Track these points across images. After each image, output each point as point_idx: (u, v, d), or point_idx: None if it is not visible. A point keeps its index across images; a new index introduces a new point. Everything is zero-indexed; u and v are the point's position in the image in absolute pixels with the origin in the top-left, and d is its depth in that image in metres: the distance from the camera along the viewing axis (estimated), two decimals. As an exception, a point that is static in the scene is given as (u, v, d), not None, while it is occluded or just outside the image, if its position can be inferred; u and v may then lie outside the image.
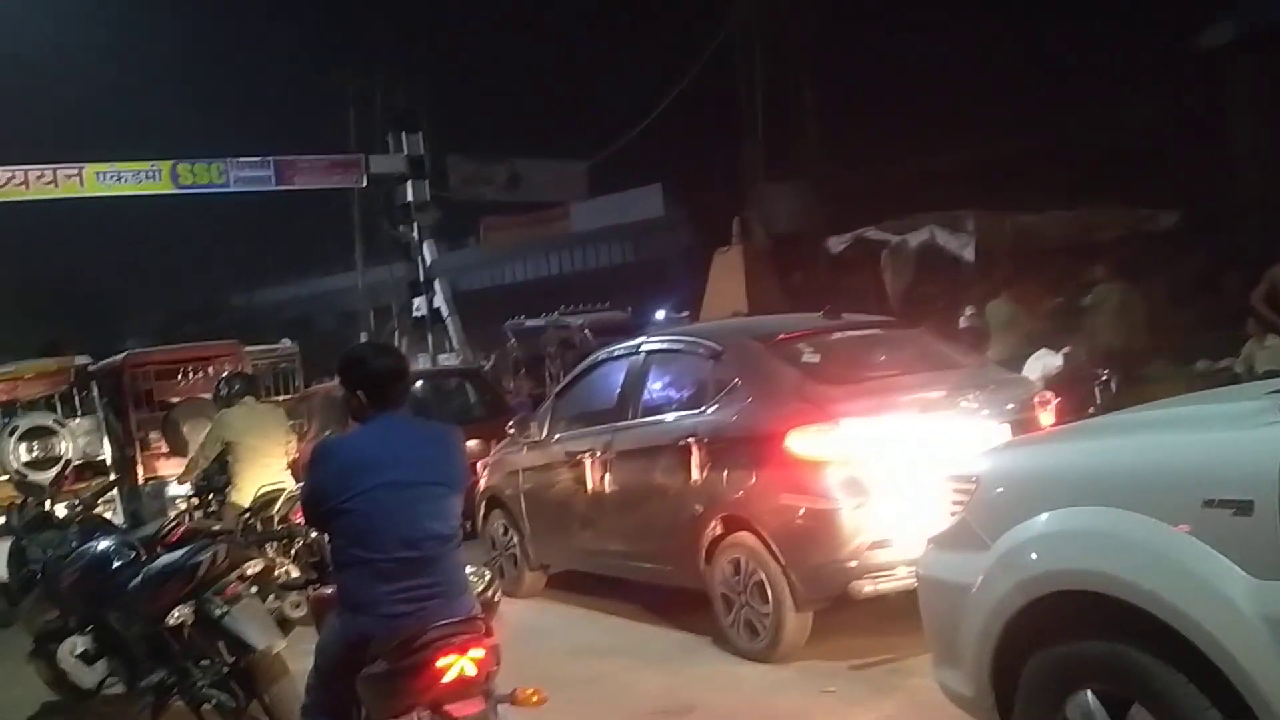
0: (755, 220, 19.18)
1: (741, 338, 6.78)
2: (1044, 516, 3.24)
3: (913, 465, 5.54)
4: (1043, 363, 9.76)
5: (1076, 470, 3.35)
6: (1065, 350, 9.95)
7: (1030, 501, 3.32)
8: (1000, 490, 3.51)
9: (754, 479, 5.92)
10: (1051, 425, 5.91)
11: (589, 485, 7.17)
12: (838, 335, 6.63)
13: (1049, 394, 6.43)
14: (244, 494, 7.90)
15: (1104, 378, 9.19)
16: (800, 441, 5.68)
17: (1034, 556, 3.23)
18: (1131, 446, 3.28)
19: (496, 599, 7.33)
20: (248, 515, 7.70)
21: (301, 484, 3.81)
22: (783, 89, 20.41)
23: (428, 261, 24.65)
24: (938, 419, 5.74)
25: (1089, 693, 3.06)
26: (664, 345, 7.35)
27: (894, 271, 15.11)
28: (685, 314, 20.19)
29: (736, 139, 21.34)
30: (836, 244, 16.43)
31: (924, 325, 8.16)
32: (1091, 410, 7.80)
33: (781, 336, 6.51)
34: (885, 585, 5.49)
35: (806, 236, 18.55)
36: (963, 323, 11.79)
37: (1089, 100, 19.49)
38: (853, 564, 5.53)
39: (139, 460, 11.05)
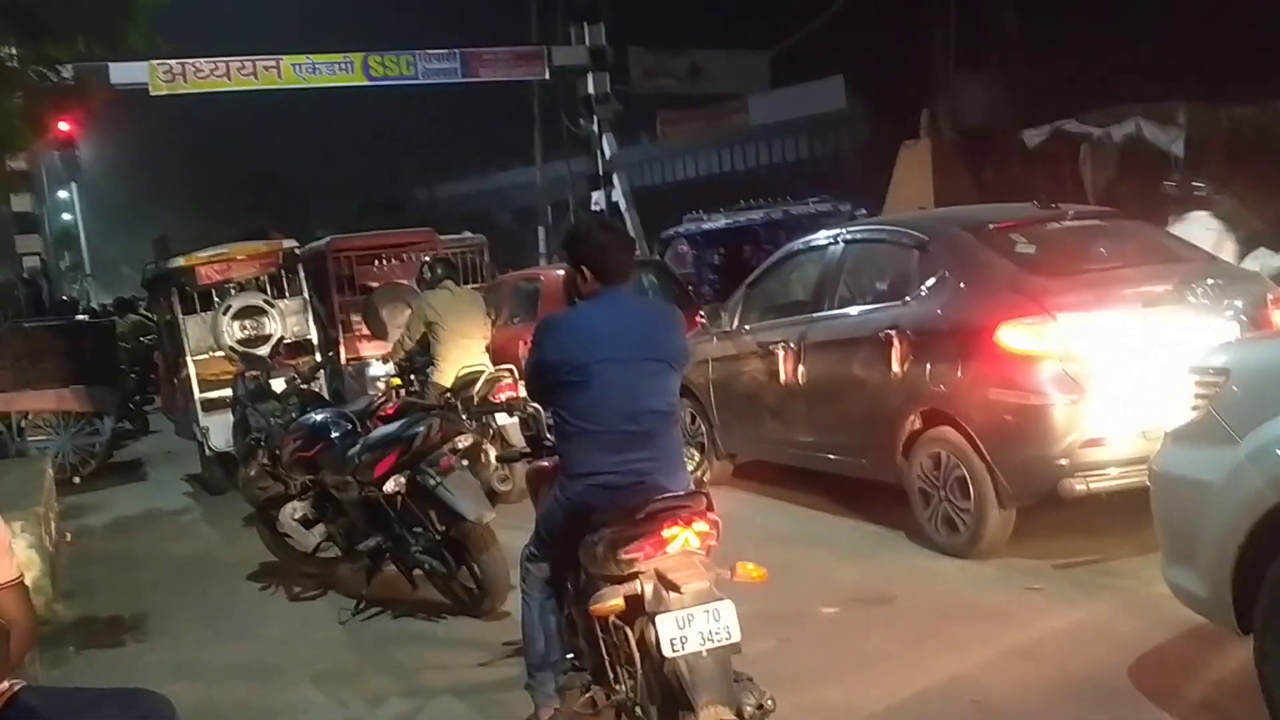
0: (944, 112, 18.40)
1: (950, 227, 6.54)
2: (1303, 412, 3.07)
3: (1133, 362, 5.32)
4: (1261, 263, 9.20)
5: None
6: (1291, 249, 9.35)
7: (1288, 396, 3.14)
8: (1252, 383, 3.33)
9: (959, 373, 5.79)
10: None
11: (781, 376, 7.13)
12: (1054, 226, 6.33)
13: (1283, 292, 6.03)
14: (445, 375, 8.15)
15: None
16: (1012, 335, 5.51)
17: (1291, 453, 3.07)
18: None
19: (705, 479, 7.45)
20: (449, 395, 7.98)
21: (525, 358, 3.88)
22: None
23: (607, 155, 24.64)
24: (1162, 314, 5.47)
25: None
26: (864, 235, 7.19)
27: (1095, 167, 14.35)
28: (862, 212, 19.66)
29: (925, 28, 20.39)
30: (1032, 137, 15.61)
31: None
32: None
33: (993, 226, 6.27)
34: (1097, 485, 5.34)
35: (999, 130, 17.71)
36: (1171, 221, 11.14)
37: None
38: (1063, 462, 5.37)
39: (341, 341, 11.53)
